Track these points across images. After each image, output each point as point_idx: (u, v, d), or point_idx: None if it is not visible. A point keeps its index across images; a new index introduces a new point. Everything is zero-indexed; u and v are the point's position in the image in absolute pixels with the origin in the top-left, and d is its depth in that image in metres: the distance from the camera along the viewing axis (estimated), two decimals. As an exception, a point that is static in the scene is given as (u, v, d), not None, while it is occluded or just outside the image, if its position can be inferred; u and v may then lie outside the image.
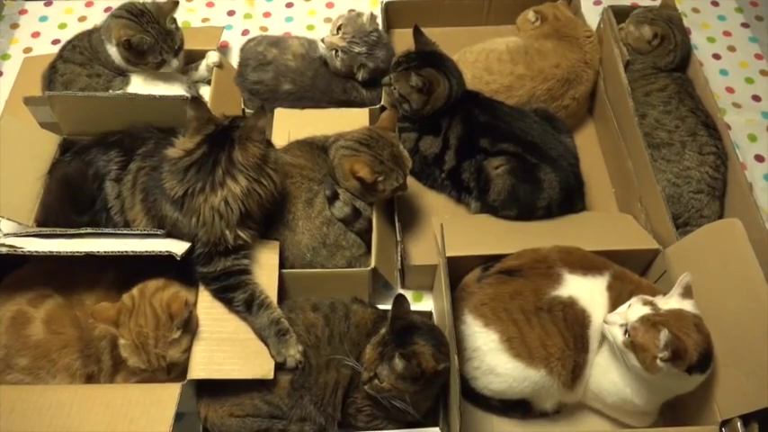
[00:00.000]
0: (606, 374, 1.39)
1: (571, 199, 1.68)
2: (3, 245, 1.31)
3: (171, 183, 1.33)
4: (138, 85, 1.77)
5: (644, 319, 1.27)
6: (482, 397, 1.46)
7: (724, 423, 1.29)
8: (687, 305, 1.31)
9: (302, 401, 1.34)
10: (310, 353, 1.36)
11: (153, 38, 1.72)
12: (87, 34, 1.82)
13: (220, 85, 1.83)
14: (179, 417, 1.19)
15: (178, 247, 1.32)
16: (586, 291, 1.41)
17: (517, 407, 1.46)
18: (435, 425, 1.37)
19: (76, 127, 1.62)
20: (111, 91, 1.74)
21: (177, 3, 1.83)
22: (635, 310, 1.30)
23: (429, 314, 1.54)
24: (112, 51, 1.75)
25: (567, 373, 1.37)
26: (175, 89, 1.80)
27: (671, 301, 1.32)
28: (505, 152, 1.64)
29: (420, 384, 1.26)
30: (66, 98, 1.61)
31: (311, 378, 1.35)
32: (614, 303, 1.39)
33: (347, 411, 1.37)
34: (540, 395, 1.42)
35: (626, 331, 1.28)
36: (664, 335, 1.21)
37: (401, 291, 1.71)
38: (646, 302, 1.31)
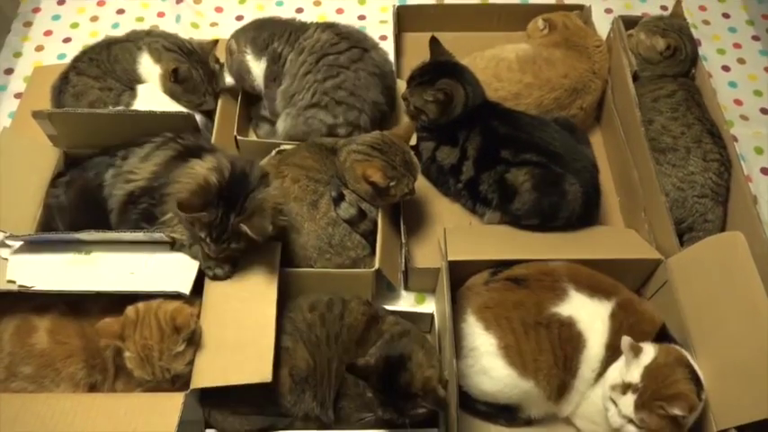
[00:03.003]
0: (601, 414, 1.38)
1: (590, 210, 1.69)
2: (12, 281, 1.33)
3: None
4: (145, 98, 1.77)
5: (639, 406, 1.27)
6: (469, 400, 1.48)
7: (720, 434, 1.31)
8: (647, 357, 1.32)
9: (304, 396, 1.36)
10: (314, 351, 1.38)
11: (200, 77, 1.77)
12: (106, 46, 1.82)
13: (226, 107, 1.85)
14: (182, 426, 1.18)
15: (185, 274, 1.36)
16: (588, 314, 1.41)
17: (503, 413, 1.48)
18: (434, 426, 1.39)
19: (77, 142, 1.63)
20: (119, 104, 1.75)
21: (217, 41, 1.86)
22: (624, 403, 1.29)
23: (431, 316, 1.56)
24: (146, 67, 1.78)
25: (552, 389, 1.39)
26: (178, 105, 1.79)
27: (633, 369, 1.31)
28: (529, 162, 1.63)
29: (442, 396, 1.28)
30: (67, 115, 1.61)
31: (316, 375, 1.37)
32: (613, 334, 1.38)
33: (339, 414, 1.39)
34: (528, 404, 1.44)
35: (637, 424, 1.28)
36: (678, 409, 1.23)
37: (404, 292, 1.73)
38: (624, 388, 1.30)
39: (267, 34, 1.78)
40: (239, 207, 1.32)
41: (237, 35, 1.83)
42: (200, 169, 1.35)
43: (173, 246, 1.41)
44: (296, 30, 1.78)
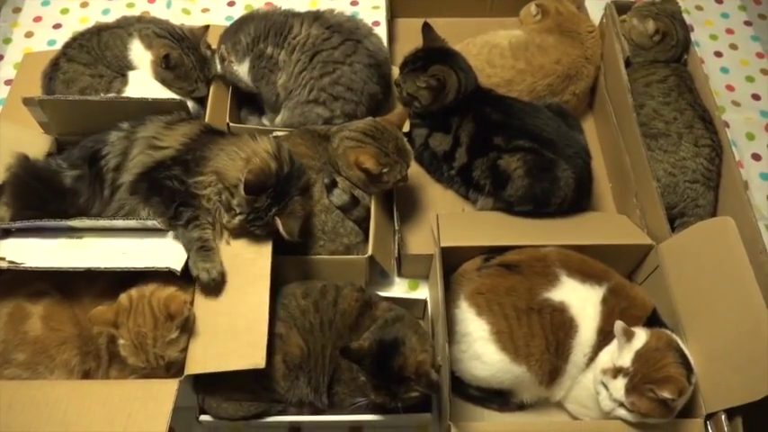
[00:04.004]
0: (592, 398, 1.39)
1: (582, 196, 1.70)
2: (2, 259, 1.32)
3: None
4: (136, 85, 1.76)
5: (630, 390, 1.29)
6: (462, 385, 1.49)
7: (709, 416, 1.32)
8: (638, 341, 1.33)
9: (298, 382, 1.37)
10: (307, 337, 1.38)
11: (191, 63, 1.75)
12: (96, 33, 1.80)
13: (217, 93, 1.84)
14: (176, 412, 1.19)
15: (177, 255, 1.35)
16: (580, 299, 1.42)
17: (495, 397, 1.49)
18: (427, 411, 1.40)
19: (69, 128, 1.62)
20: (110, 91, 1.74)
21: (208, 27, 1.84)
22: (615, 387, 1.30)
23: (424, 302, 1.57)
24: (138, 53, 1.77)
25: (543, 374, 1.40)
26: (170, 92, 1.78)
27: (625, 353, 1.32)
28: (521, 148, 1.64)
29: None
30: (58, 102, 1.60)
31: (310, 361, 1.37)
32: (605, 319, 1.39)
33: (333, 399, 1.40)
34: (520, 388, 1.45)
35: (628, 408, 1.30)
36: (668, 392, 1.24)
37: (397, 279, 1.74)
38: (615, 372, 1.32)
39: (250, 39, 1.76)
40: (284, 204, 1.38)
41: (223, 41, 1.81)
42: (260, 149, 1.40)
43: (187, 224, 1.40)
44: (278, 28, 1.74)
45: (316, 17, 1.76)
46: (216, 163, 1.40)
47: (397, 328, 1.33)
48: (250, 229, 1.39)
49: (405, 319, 1.38)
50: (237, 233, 1.41)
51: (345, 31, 1.73)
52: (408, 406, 1.32)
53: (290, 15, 1.78)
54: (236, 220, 1.38)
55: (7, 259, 1.32)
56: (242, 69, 1.79)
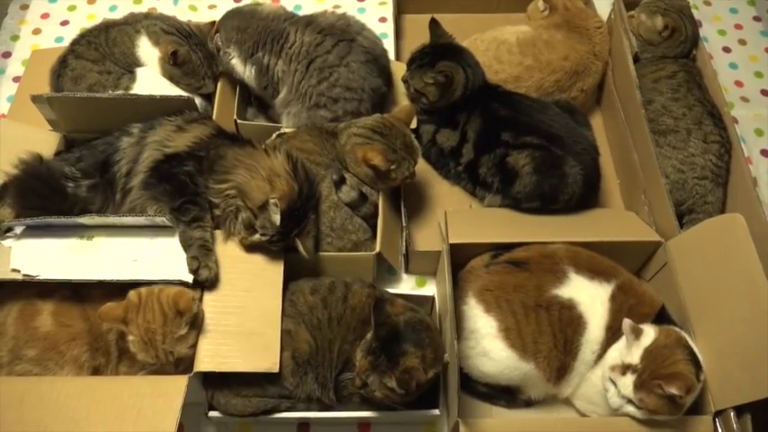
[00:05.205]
0: (600, 395, 1.39)
1: (590, 192, 1.69)
2: (17, 270, 1.33)
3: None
4: (144, 82, 1.76)
5: (638, 386, 1.28)
6: (470, 382, 1.50)
7: (718, 413, 1.32)
8: (647, 338, 1.33)
9: (306, 378, 1.37)
10: (315, 333, 1.38)
11: (199, 60, 1.76)
12: (104, 30, 1.81)
13: (225, 90, 1.84)
14: (186, 408, 1.20)
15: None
16: (588, 296, 1.42)
17: (503, 394, 1.50)
18: (435, 407, 1.40)
19: (77, 126, 1.63)
20: (118, 88, 1.75)
21: (215, 23, 1.85)
22: (624, 384, 1.30)
23: (431, 298, 1.57)
24: (145, 50, 1.77)
25: (551, 371, 1.40)
26: (177, 89, 1.79)
27: (634, 350, 1.32)
28: (529, 145, 1.63)
29: (412, 393, 1.28)
30: (66, 99, 1.60)
31: (318, 357, 1.38)
32: (613, 316, 1.39)
33: (341, 394, 1.40)
34: (528, 385, 1.46)
35: (636, 405, 1.30)
36: (676, 389, 1.23)
37: (405, 275, 1.74)
38: (624, 369, 1.32)
39: (252, 42, 1.75)
40: (303, 225, 1.42)
41: (221, 30, 1.80)
42: (278, 167, 1.42)
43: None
44: (277, 35, 1.73)
45: (308, 23, 1.74)
46: (236, 177, 1.41)
47: (425, 337, 1.32)
48: (267, 247, 1.41)
49: (433, 332, 1.36)
50: (250, 248, 1.42)
51: (338, 32, 1.72)
52: (378, 398, 1.31)
53: (289, 22, 1.75)
54: (255, 237, 1.39)
55: (22, 272, 1.33)
56: (244, 71, 1.79)
